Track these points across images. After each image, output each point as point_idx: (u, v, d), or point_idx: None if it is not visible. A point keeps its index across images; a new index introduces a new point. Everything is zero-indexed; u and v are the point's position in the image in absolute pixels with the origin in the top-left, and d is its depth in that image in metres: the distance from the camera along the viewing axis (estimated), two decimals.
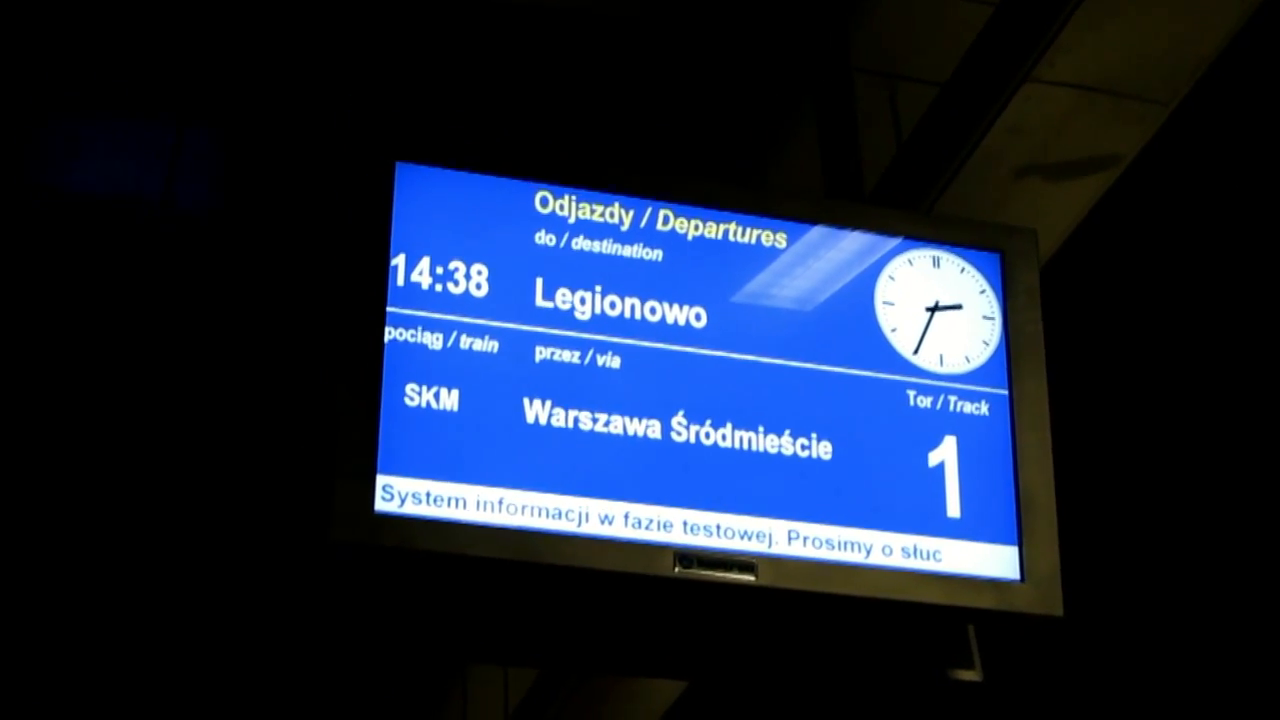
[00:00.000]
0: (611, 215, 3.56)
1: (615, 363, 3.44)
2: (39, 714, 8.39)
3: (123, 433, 6.30)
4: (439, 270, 3.41)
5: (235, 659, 8.01)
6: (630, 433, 3.39)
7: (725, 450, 3.44)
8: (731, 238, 3.62)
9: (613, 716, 6.51)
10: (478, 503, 3.26)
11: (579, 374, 3.41)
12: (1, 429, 6.26)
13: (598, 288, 3.49)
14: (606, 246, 3.54)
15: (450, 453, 3.28)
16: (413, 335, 3.35)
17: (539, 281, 3.46)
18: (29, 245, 5.50)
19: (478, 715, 7.77)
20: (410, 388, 3.30)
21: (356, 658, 7.88)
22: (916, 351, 3.64)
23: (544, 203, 3.53)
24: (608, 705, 6.43)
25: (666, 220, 3.59)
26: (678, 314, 3.51)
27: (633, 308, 3.49)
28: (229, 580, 7.22)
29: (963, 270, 3.74)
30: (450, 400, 3.32)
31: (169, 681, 8.26)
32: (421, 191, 3.46)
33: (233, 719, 8.64)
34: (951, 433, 3.59)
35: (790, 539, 3.40)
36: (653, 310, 3.50)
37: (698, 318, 3.53)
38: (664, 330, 3.50)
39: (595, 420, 3.38)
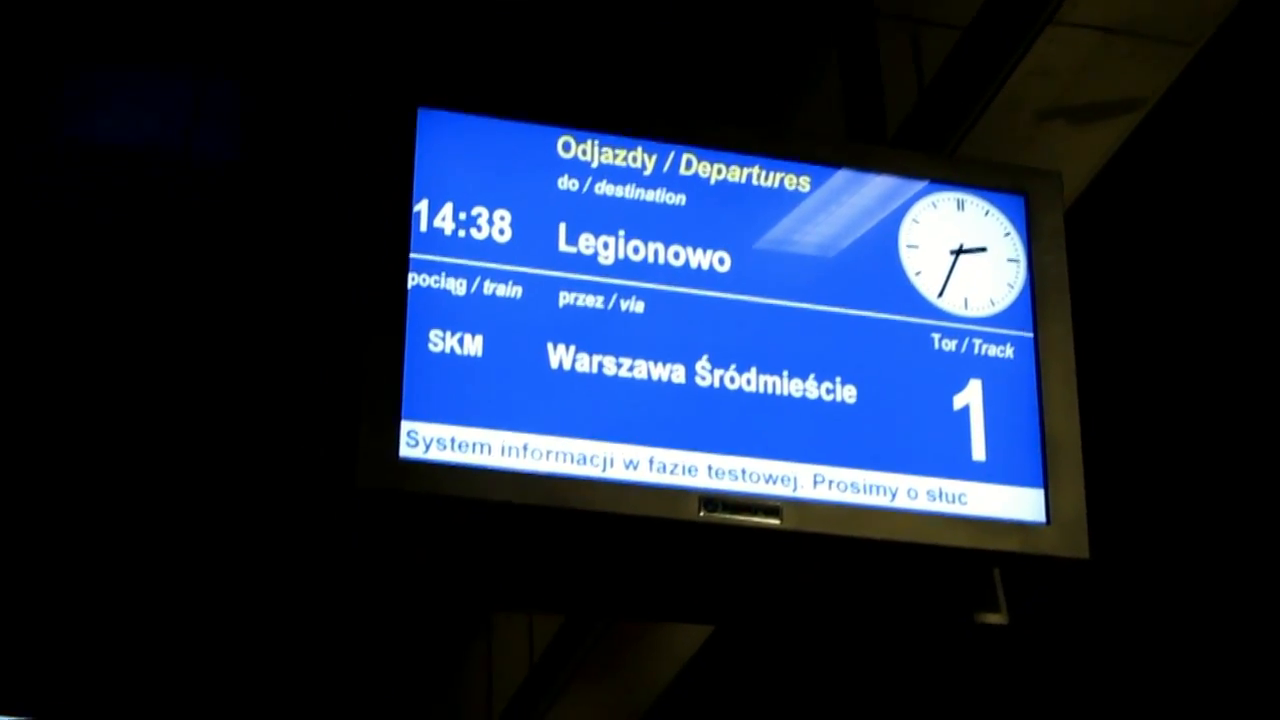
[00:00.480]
0: (634, 160, 3.55)
1: (639, 307, 3.43)
2: (62, 655, 8.44)
3: (146, 383, 6.31)
4: (462, 216, 3.40)
5: (261, 605, 8.03)
6: (654, 377, 3.39)
7: (750, 394, 3.43)
8: (755, 182, 3.61)
9: (638, 662, 6.52)
10: (502, 448, 3.26)
11: (603, 319, 3.41)
12: (29, 380, 6.28)
13: (621, 232, 3.48)
14: (629, 191, 3.53)
15: (474, 398, 3.28)
16: (436, 281, 3.34)
17: (562, 227, 3.45)
18: (50, 198, 5.51)
19: (503, 662, 7.80)
20: (434, 333, 3.30)
21: (382, 604, 7.90)
22: (941, 294, 3.63)
23: (566, 148, 3.52)
24: (633, 651, 6.44)
25: (689, 165, 3.58)
26: (701, 258, 3.51)
27: (656, 252, 3.49)
28: (254, 526, 7.24)
29: (987, 213, 3.72)
30: (474, 346, 3.31)
31: (198, 628, 8.30)
32: (444, 137, 3.45)
33: (257, 666, 8.67)
34: (976, 376, 3.58)
35: (815, 482, 3.40)
36: (676, 255, 3.50)
37: (721, 262, 3.52)
38: (688, 275, 3.49)
39: (619, 365, 3.38)
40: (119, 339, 6.11)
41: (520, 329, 3.35)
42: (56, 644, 8.44)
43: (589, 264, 3.45)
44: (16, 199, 5.55)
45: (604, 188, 3.51)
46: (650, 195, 3.54)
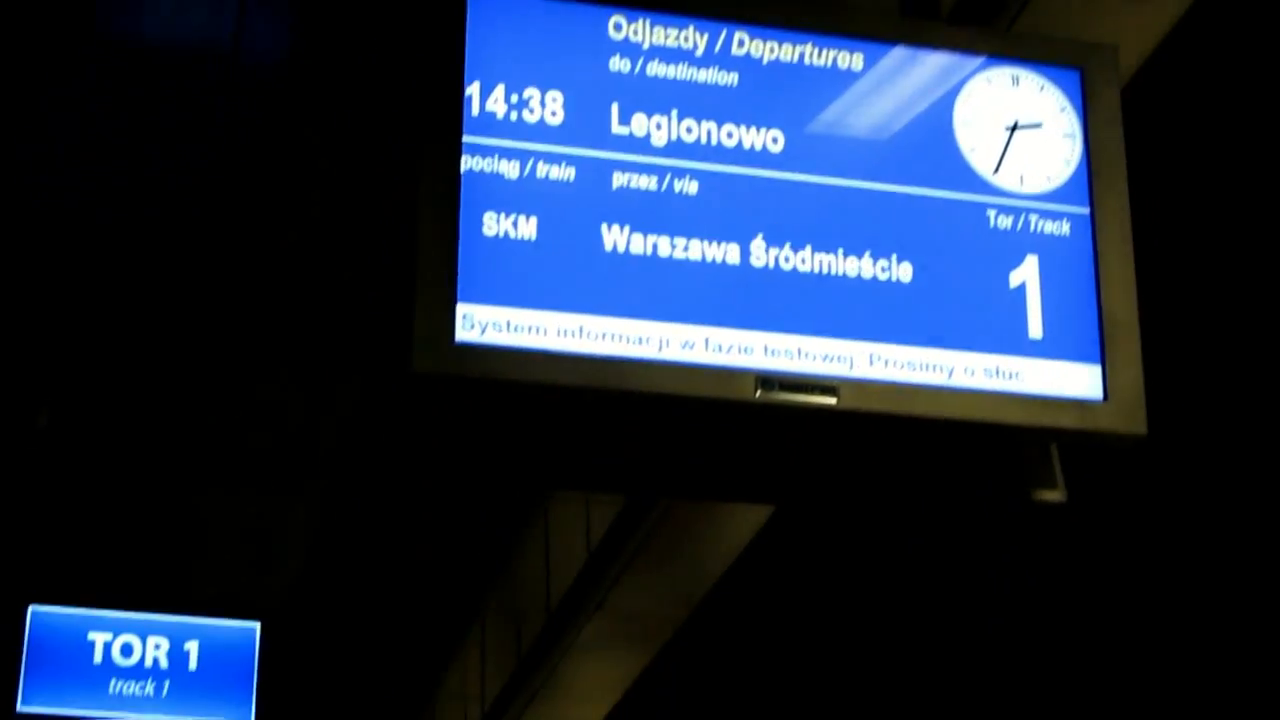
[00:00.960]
0: (686, 40, 3.53)
1: (693, 188, 3.42)
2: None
3: (203, 269, 6.34)
4: (514, 99, 3.39)
5: (318, 489, 8.09)
6: (709, 258, 3.38)
7: (805, 274, 3.42)
8: (807, 60, 3.58)
9: (697, 546, 6.55)
10: (558, 330, 3.25)
11: (656, 200, 3.39)
12: (99, 266, 6.32)
13: (674, 112, 3.46)
14: (681, 71, 3.51)
15: (529, 280, 3.27)
16: (489, 164, 3.33)
17: (614, 108, 3.44)
18: (105, 96, 5.52)
19: (560, 549, 7.84)
20: (488, 216, 3.29)
21: (439, 488, 7.95)
22: (996, 171, 3.61)
23: (618, 28, 3.50)
24: (691, 535, 6.47)
25: (741, 43, 3.55)
26: (755, 138, 3.49)
27: (709, 132, 3.47)
28: (316, 408, 7.29)
29: (1042, 88, 3.69)
30: (528, 228, 3.31)
31: (260, 513, 8.36)
32: (494, 19, 3.42)
33: (319, 554, 8.74)
34: (1033, 252, 3.56)
35: (871, 361, 3.39)
36: (729, 135, 3.48)
37: (775, 141, 3.50)
38: (741, 154, 3.47)
39: (674, 246, 3.37)
40: (178, 227, 6.14)
41: (574, 211, 3.34)
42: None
43: (642, 145, 3.43)
44: (70, 105, 5.57)
45: (656, 68, 3.49)
46: (702, 75, 3.51)
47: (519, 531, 8.46)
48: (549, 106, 3.40)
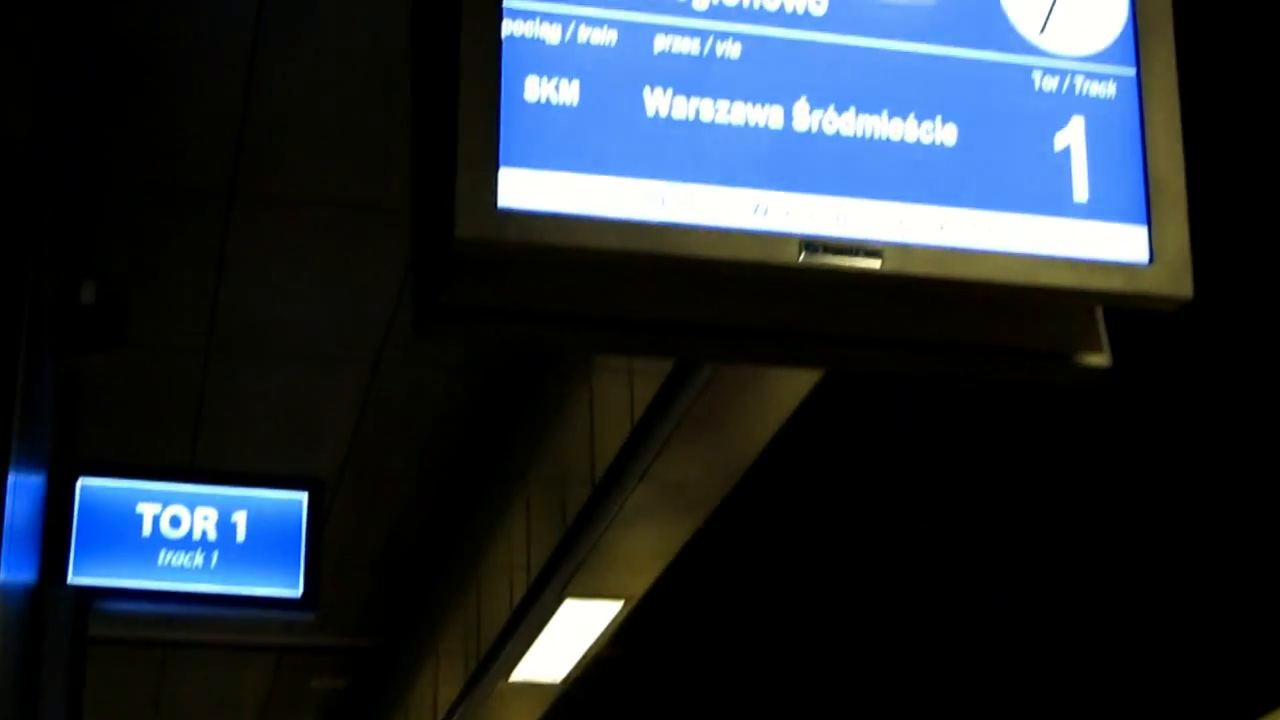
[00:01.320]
0: None
1: (735, 51, 3.39)
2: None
3: (249, 160, 6.35)
4: None
5: (366, 360, 8.12)
6: (752, 121, 3.35)
7: (848, 137, 3.40)
8: None
9: (742, 412, 6.55)
10: (602, 195, 3.23)
11: (698, 64, 3.37)
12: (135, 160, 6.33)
13: None
14: None
15: (572, 145, 3.25)
16: (530, 29, 3.31)
17: None
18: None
19: (604, 420, 7.86)
20: (530, 81, 3.27)
21: (483, 359, 7.97)
22: (1042, 32, 3.57)
23: None
24: (737, 401, 6.47)
25: None
26: (797, 0, 3.45)
27: None
28: (362, 282, 7.30)
29: None
30: (570, 93, 3.29)
31: (306, 385, 8.40)
32: None
33: (369, 424, 8.79)
34: (1078, 114, 3.53)
35: (916, 224, 3.37)
36: None
37: (817, 3, 3.46)
38: (783, 17, 3.44)
39: (716, 109, 3.34)
40: (220, 117, 6.15)
41: (616, 75, 3.32)
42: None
43: (683, 8, 3.40)
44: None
45: None
46: None
47: (563, 402, 8.48)
48: None
